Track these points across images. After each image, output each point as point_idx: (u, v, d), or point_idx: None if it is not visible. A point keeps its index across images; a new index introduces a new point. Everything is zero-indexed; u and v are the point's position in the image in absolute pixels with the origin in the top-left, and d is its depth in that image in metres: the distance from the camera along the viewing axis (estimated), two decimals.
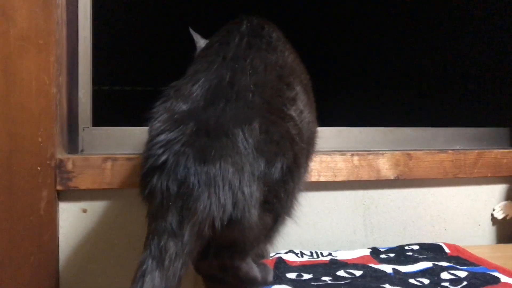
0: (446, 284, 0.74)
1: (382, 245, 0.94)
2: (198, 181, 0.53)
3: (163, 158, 0.54)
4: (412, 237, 1.02)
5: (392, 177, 0.98)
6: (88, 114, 0.95)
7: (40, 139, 0.80)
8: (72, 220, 0.85)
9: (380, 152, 0.98)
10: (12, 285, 0.80)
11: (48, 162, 0.80)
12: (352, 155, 0.96)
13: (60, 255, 0.83)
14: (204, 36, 0.86)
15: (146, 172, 0.55)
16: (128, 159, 0.85)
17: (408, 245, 0.95)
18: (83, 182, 0.82)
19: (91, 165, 0.83)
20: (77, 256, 0.85)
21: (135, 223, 0.87)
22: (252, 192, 0.55)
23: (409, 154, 1.00)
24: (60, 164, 0.81)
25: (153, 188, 0.54)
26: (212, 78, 0.60)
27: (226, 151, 0.55)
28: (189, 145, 0.54)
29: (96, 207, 0.86)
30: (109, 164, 0.84)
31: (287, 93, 0.65)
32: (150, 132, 0.58)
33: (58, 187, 0.81)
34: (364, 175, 0.97)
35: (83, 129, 0.94)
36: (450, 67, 1.34)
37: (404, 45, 1.31)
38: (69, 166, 0.82)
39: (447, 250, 0.91)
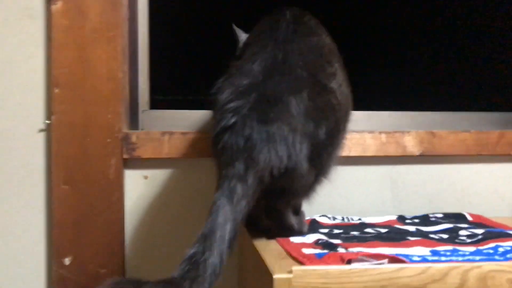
0: (463, 238, 0.83)
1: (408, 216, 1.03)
2: (260, 138, 0.67)
3: (233, 120, 0.68)
4: (437, 210, 1.09)
5: (417, 153, 1.07)
6: (146, 99, 1.10)
7: (109, 116, 0.95)
8: (135, 185, 0.99)
9: (406, 131, 1.08)
10: (86, 239, 0.95)
11: (116, 135, 0.95)
12: (380, 133, 1.06)
13: (125, 214, 0.97)
14: (246, 31, 1.00)
15: (219, 131, 0.69)
16: (183, 133, 0.98)
17: (433, 213, 1.04)
18: (145, 152, 0.97)
19: (152, 138, 0.97)
20: (140, 216, 0.99)
21: (188, 187, 1.00)
22: (302, 148, 0.69)
23: (432, 133, 1.09)
24: (126, 137, 0.96)
25: (225, 143, 0.68)
26: (267, 58, 0.74)
27: (282, 114, 0.68)
28: (253, 110, 0.68)
29: (155, 174, 1.00)
30: (166, 137, 0.98)
31: (328, 69, 0.78)
32: (219, 101, 0.72)
33: (124, 156, 0.96)
34: (391, 151, 1.06)
35: (142, 112, 1.09)
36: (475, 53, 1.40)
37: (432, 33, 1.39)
38: (133, 138, 0.96)
39: (469, 218, 0.99)
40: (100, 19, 0.95)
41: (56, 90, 0.93)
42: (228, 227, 0.62)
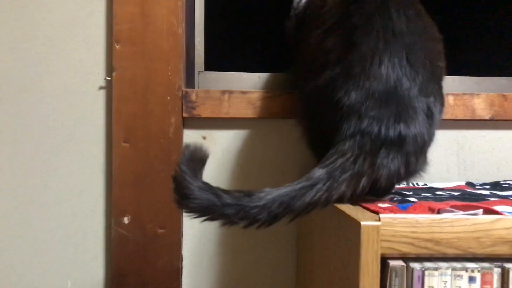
0: None
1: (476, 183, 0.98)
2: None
3: (376, 128, 0.67)
4: (506, 178, 1.04)
5: (487, 117, 1.01)
6: (202, 60, 1.08)
7: (169, 73, 0.93)
8: None
9: (475, 93, 1.02)
10: (145, 198, 0.94)
11: (176, 93, 0.93)
12: (447, 95, 1.01)
13: None
14: None
15: (356, 132, 0.68)
16: (242, 92, 0.96)
17: (504, 180, 0.98)
18: (204, 111, 0.95)
19: (211, 97, 0.95)
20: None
21: (247, 150, 0.98)
22: (429, 138, 0.73)
23: (504, 96, 1.02)
24: (186, 95, 0.94)
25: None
26: (393, 59, 0.69)
27: (412, 119, 0.69)
28: (393, 120, 0.68)
29: (213, 135, 0.98)
30: (226, 96, 0.95)
31: (438, 47, 0.77)
32: (344, 101, 0.69)
33: (184, 115, 0.94)
34: (460, 114, 1.01)
35: (198, 73, 1.07)
36: None
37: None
38: (193, 97, 0.94)
39: None
40: None
41: (117, 46, 0.92)
42: None
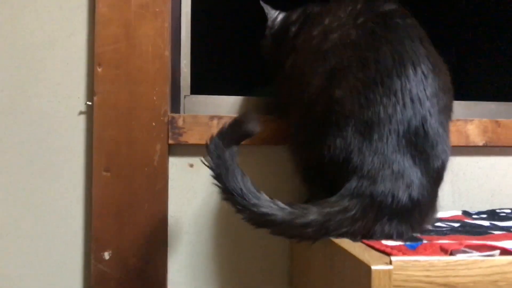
0: None
1: (471, 211, 0.95)
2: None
3: (390, 199, 0.64)
4: (500, 205, 1.02)
5: (480, 144, 0.99)
6: (188, 83, 1.03)
7: (155, 98, 0.88)
8: (180, 174, 0.92)
9: (469, 119, 1.00)
10: (128, 228, 0.88)
11: (161, 118, 0.88)
12: None
13: (169, 205, 0.90)
14: (282, 7, 0.94)
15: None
16: (231, 118, 0.91)
17: (500, 209, 0.96)
18: (192, 137, 0.90)
19: (199, 122, 0.90)
20: (184, 207, 0.92)
21: None
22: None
23: (497, 122, 1.01)
24: (172, 121, 0.89)
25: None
26: (412, 126, 0.66)
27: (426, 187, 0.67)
28: (405, 187, 0.65)
29: (201, 162, 0.92)
30: (215, 121, 0.90)
31: (451, 97, 0.74)
32: (374, 174, 0.65)
33: (170, 141, 0.88)
34: (453, 141, 0.97)
35: (184, 97, 1.02)
36: None
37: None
38: (180, 122, 0.89)
39: None
40: None
41: (99, 69, 0.87)
42: None
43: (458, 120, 0.99)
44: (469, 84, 1.21)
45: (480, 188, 1.03)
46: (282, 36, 0.91)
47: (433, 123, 0.66)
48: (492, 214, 0.91)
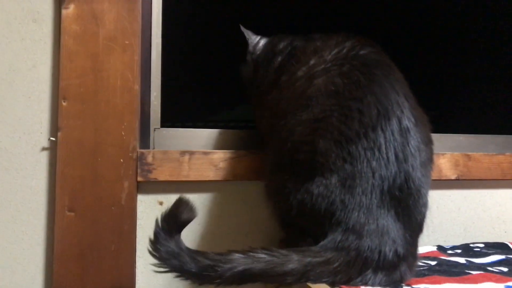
0: None
1: (445, 245, 0.95)
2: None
3: (376, 256, 0.63)
4: (472, 238, 1.02)
5: (453, 177, 1.00)
6: (158, 116, 1.00)
7: (123, 133, 0.84)
8: (149, 212, 0.88)
9: (441, 153, 1.01)
10: (93, 271, 0.82)
11: (130, 154, 0.84)
12: None
13: (137, 245, 0.85)
14: (256, 32, 0.92)
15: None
16: (204, 153, 0.88)
17: (473, 243, 0.96)
18: (162, 174, 0.86)
19: (170, 158, 0.87)
20: None
21: (209, 215, 0.90)
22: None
23: (468, 155, 1.02)
24: (141, 157, 0.85)
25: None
26: (395, 145, 0.65)
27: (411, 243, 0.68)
28: (392, 243, 0.65)
29: (171, 199, 0.87)
30: (186, 157, 0.87)
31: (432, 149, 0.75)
32: (359, 229, 0.64)
33: (139, 179, 0.84)
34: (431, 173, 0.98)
35: (154, 130, 0.98)
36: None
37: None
38: (149, 158, 0.86)
39: None
40: (115, 25, 0.85)
41: (64, 103, 0.82)
42: None
43: None
44: (441, 116, 1.22)
45: (453, 221, 1.03)
46: (265, 63, 0.89)
47: (416, 178, 0.65)
48: (467, 250, 0.91)
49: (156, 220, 0.65)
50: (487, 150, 1.13)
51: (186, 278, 0.63)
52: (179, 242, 0.65)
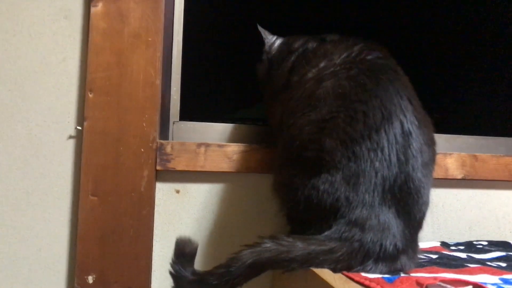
0: None
1: (449, 242, 0.98)
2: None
3: (377, 248, 0.67)
4: (477, 237, 1.05)
5: (459, 177, 1.03)
6: (177, 110, 1.05)
7: (144, 124, 0.90)
8: (166, 199, 0.93)
9: (448, 153, 1.04)
10: (112, 253, 0.88)
11: (150, 144, 0.90)
12: None
13: (154, 230, 0.91)
14: (272, 32, 0.96)
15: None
16: (219, 146, 0.93)
17: (477, 241, 0.99)
18: (179, 164, 0.91)
19: (187, 149, 0.92)
20: (169, 232, 0.93)
21: (222, 204, 0.95)
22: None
23: (475, 156, 1.05)
24: (161, 147, 0.91)
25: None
26: (398, 147, 0.69)
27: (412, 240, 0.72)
28: (392, 237, 0.68)
29: (187, 188, 0.94)
30: (202, 149, 0.92)
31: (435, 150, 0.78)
32: (362, 223, 0.68)
33: (158, 167, 0.90)
34: (434, 173, 1.02)
35: (173, 123, 1.04)
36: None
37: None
38: (168, 149, 0.91)
39: None
40: (140, 23, 0.91)
41: (90, 95, 0.88)
42: None
43: (438, 153, 1.02)
44: (449, 118, 1.25)
45: (458, 219, 1.06)
46: (279, 62, 0.92)
47: (416, 179, 0.69)
48: (469, 246, 0.94)
49: (171, 264, 0.73)
50: (496, 152, 1.15)
51: None
52: (194, 270, 0.73)
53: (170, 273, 0.72)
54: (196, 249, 0.74)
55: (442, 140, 1.14)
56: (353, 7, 1.31)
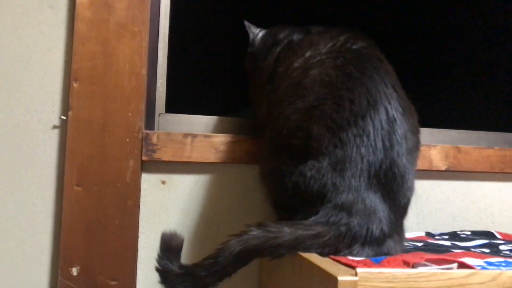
0: (507, 252, 0.79)
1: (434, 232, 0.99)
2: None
3: (364, 232, 0.68)
4: (460, 228, 1.06)
5: (443, 168, 1.05)
6: (163, 102, 1.05)
7: (130, 114, 0.89)
8: (152, 190, 0.92)
9: (432, 144, 1.05)
10: (97, 245, 0.87)
11: (136, 134, 0.89)
12: None
13: (140, 221, 0.90)
14: (262, 26, 0.97)
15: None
16: (206, 136, 0.93)
17: (460, 231, 1.00)
18: (165, 154, 0.91)
19: (173, 140, 0.92)
20: (155, 223, 0.92)
21: (208, 195, 0.95)
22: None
23: (458, 148, 1.06)
24: (146, 137, 0.90)
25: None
26: (383, 133, 0.70)
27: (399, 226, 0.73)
28: (379, 221, 0.69)
29: (173, 179, 0.94)
30: (189, 139, 0.92)
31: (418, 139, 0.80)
32: (349, 206, 0.68)
33: (144, 158, 0.89)
34: (418, 165, 1.01)
35: (159, 115, 1.03)
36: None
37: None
38: (154, 139, 0.90)
39: (498, 236, 0.96)
40: (126, 13, 0.90)
41: (75, 85, 0.88)
42: None
43: (422, 145, 1.04)
44: (433, 112, 1.27)
45: (442, 211, 1.07)
46: (264, 52, 0.93)
47: (401, 165, 0.70)
48: (454, 236, 0.95)
49: (157, 259, 0.71)
50: (479, 145, 1.17)
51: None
52: (181, 264, 0.71)
53: (157, 268, 0.70)
54: (182, 242, 0.73)
55: (426, 133, 1.15)
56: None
